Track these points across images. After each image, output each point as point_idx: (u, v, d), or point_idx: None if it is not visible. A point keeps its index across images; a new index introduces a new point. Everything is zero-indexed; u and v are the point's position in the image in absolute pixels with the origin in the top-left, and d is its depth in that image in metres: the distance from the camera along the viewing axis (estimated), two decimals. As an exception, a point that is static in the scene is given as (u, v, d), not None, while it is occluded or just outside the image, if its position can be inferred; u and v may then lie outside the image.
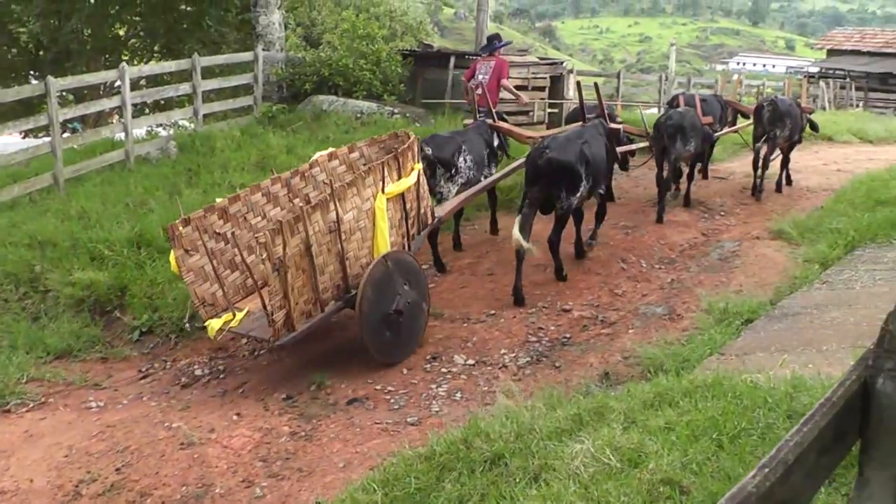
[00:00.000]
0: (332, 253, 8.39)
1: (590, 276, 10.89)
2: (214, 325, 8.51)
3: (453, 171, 11.06)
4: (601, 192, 11.59)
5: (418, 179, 9.62)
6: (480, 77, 13.90)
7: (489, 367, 8.54)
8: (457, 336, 9.29)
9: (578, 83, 12.87)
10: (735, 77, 23.16)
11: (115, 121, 17.57)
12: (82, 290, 10.41)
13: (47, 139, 14.49)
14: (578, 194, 10.51)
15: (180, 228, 8.65)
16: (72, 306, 10.35)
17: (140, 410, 8.11)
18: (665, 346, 8.19)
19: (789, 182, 16.02)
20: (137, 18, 25.93)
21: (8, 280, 10.85)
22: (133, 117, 15.59)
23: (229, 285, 9.10)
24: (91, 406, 8.41)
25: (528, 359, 8.70)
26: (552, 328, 9.42)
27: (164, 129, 19.59)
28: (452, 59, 19.45)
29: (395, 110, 18.04)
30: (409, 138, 9.89)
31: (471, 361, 8.69)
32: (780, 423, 5.16)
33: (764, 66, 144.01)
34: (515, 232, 9.89)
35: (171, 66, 18.88)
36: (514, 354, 8.80)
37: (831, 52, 46.07)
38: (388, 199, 8.95)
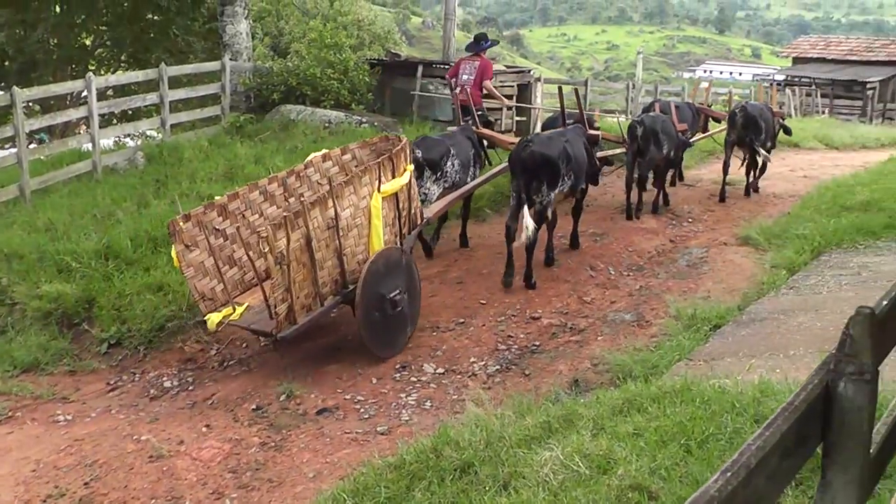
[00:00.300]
0: (330, 248, 8.69)
1: (559, 283, 10.93)
2: (214, 318, 8.73)
3: (440, 173, 11.34)
4: (583, 187, 11.91)
5: (410, 180, 9.84)
6: (465, 77, 14.18)
7: (459, 376, 8.56)
8: (426, 345, 9.31)
9: (560, 88, 13.22)
10: (703, 85, 23.49)
11: (82, 131, 17.49)
12: (49, 303, 10.27)
13: (13, 150, 14.39)
14: (557, 189, 10.80)
15: (181, 224, 8.84)
16: (39, 319, 10.22)
17: (108, 423, 8.04)
18: (634, 353, 8.24)
19: (756, 189, 16.20)
20: (104, 28, 25.80)
21: (-26, 293, 10.71)
22: (100, 128, 15.50)
23: (227, 280, 9.26)
24: (59, 420, 8.32)
25: (498, 367, 8.72)
26: (521, 336, 9.45)
27: (132, 139, 19.47)
28: (420, 68, 19.47)
29: (363, 119, 17.99)
30: (401, 140, 10.19)
31: (440, 370, 8.70)
32: (747, 428, 5.20)
33: (731, 73, 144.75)
34: (527, 220, 10.33)
35: (138, 75, 18.76)
36: (483, 363, 8.82)
37: (797, 60, 46.48)
38: (382, 198, 9.18)
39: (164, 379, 9.24)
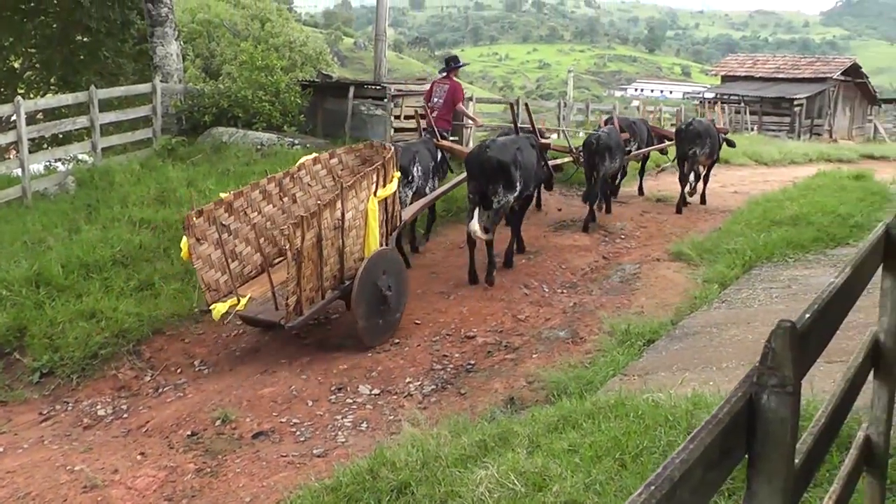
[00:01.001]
0: (334, 247, 9.49)
1: (493, 302, 10.98)
2: (220, 308, 9.35)
3: (410, 177, 12.10)
4: (529, 194, 12.69)
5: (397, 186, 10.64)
6: (436, 100, 14.65)
7: (394, 397, 8.54)
8: (361, 366, 9.26)
9: (511, 104, 14.48)
10: (635, 103, 24.28)
11: (11, 156, 17.22)
12: (-22, 333, 10.09)
13: None
14: (516, 192, 11.58)
15: (195, 219, 9.44)
16: (-32, 350, 10.02)
17: (41, 454, 7.88)
18: (568, 370, 8.27)
19: (703, 201, 16.82)
20: (33, 50, 25.52)
21: None
22: (30, 152, 15.27)
23: (231, 273, 9.77)
24: (-12, 451, 8.15)
25: (434, 386, 8.71)
26: (456, 355, 9.47)
27: (63, 163, 19.24)
28: (352, 89, 19.47)
29: (296, 141, 17.96)
30: (389, 150, 10.90)
31: (376, 391, 8.67)
32: (680, 441, 5.22)
33: (661, 91, 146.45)
34: (473, 225, 11.15)
35: (68, 98, 18.52)
36: (419, 383, 8.81)
37: (726, 78, 47.35)
38: (374, 202, 9.95)
39: (98, 407, 9.09)
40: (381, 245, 10.19)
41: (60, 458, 7.73)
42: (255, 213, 10.38)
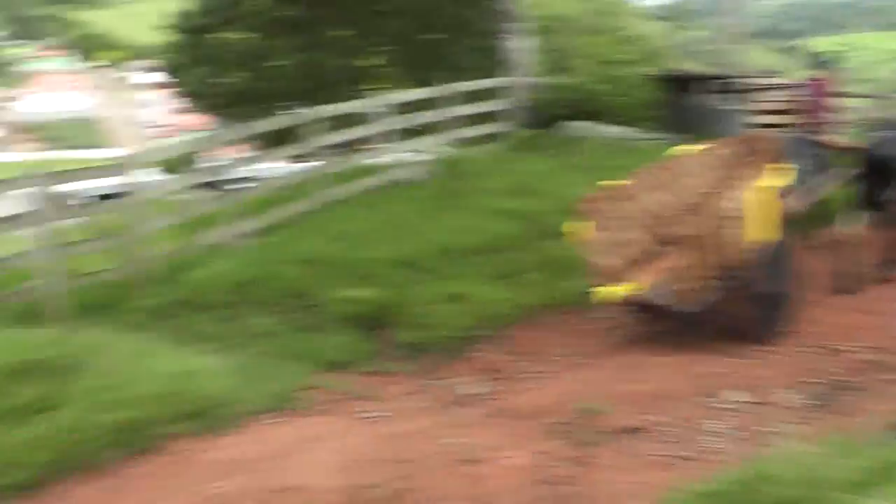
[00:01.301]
0: (724, 236, 9.44)
1: (867, 315, 10.48)
2: (613, 291, 9.61)
3: (794, 169, 11.59)
4: None
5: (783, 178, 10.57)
6: (809, 97, 15.32)
7: (765, 406, 8.29)
8: (729, 371, 9.08)
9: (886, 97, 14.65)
10: None
11: (374, 147, 18.20)
12: (353, 307, 10.75)
13: (310, 164, 15.52)
14: None
15: (592, 204, 9.98)
16: (343, 321, 10.68)
17: (414, 424, 8.21)
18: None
19: None
20: (388, 48, 26.84)
21: (283, 295, 11.24)
22: (389, 143, 16.18)
23: (622, 257, 10.06)
24: (365, 416, 8.59)
25: (805, 400, 8.42)
26: (828, 370, 9.11)
27: (419, 154, 20.17)
28: (702, 83, 19.13)
29: (649, 136, 17.89)
30: (774, 142, 11.19)
31: (745, 398, 8.46)
32: None
33: None
34: (847, 225, 11.35)
35: (422, 93, 19.26)
36: (789, 395, 8.54)
37: None
38: (764, 193, 9.90)
39: (464, 386, 9.48)
40: (772, 237, 10.04)
41: (432, 429, 7.99)
42: (644, 200, 10.50)
